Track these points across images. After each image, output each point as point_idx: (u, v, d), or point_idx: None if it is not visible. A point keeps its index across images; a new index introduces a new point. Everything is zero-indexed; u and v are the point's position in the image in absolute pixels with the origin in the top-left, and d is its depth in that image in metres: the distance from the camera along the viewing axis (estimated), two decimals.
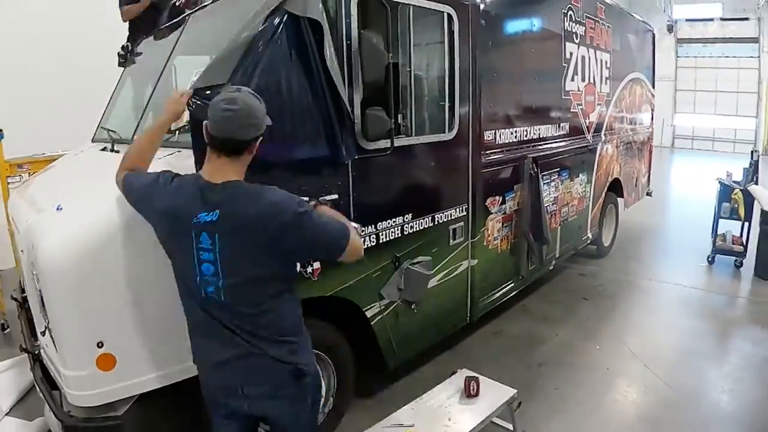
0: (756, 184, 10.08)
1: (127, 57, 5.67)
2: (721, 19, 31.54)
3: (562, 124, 7.81)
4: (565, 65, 7.82)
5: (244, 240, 2.81)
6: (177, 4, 6.00)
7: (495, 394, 4.52)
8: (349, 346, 4.85)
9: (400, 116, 4.65)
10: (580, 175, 8.61)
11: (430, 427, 4.06)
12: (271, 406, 3.06)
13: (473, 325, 6.64)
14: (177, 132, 4.16)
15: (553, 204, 7.76)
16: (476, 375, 4.59)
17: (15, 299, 5.39)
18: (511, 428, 4.72)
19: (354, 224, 3.22)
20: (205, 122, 2.85)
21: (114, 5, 6.18)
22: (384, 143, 4.60)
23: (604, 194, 9.83)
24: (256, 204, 2.80)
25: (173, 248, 3.01)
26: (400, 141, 4.79)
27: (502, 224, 6.58)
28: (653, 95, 12.35)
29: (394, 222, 5.02)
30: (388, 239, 4.97)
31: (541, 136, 7.24)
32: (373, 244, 4.82)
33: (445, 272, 5.73)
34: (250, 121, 2.84)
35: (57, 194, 4.41)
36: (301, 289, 3.44)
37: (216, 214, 2.77)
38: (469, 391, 4.42)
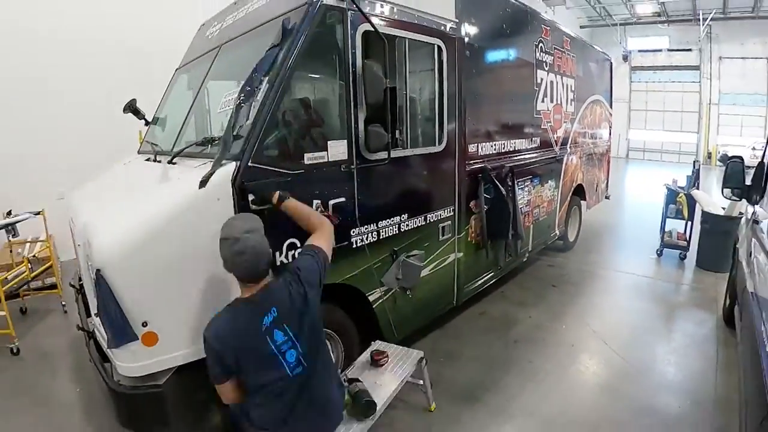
0: (697, 189, 10.17)
1: (133, 109, 5.68)
2: (668, 50, 31.65)
3: (534, 139, 7.83)
4: (537, 89, 7.83)
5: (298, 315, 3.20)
6: (209, 36, 6.05)
7: (407, 358, 4.60)
8: (355, 326, 4.86)
9: (397, 132, 4.67)
10: (549, 181, 8.62)
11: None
12: None
13: (459, 308, 6.63)
14: (209, 145, 4.23)
15: (526, 206, 7.78)
16: (384, 349, 4.64)
17: (73, 286, 5.42)
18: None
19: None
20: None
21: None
22: (383, 154, 4.63)
23: (569, 198, 9.84)
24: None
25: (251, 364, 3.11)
26: (397, 152, 4.83)
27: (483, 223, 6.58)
28: (611, 114, 12.33)
29: (392, 221, 5.05)
30: (387, 235, 5.01)
31: (516, 149, 7.25)
32: (375, 239, 4.85)
33: (435, 263, 5.74)
34: (260, 261, 3.12)
35: (107, 198, 4.54)
36: None
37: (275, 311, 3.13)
38: (377, 363, 4.45)
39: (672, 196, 10.23)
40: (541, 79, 7.98)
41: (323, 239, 3.59)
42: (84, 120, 9.33)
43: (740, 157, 6.24)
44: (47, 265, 7.91)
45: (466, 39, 5.80)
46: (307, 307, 3.24)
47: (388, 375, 4.36)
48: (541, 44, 7.87)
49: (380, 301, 5.10)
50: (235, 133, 3.95)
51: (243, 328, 3.07)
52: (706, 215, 9.35)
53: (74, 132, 9.29)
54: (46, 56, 9.09)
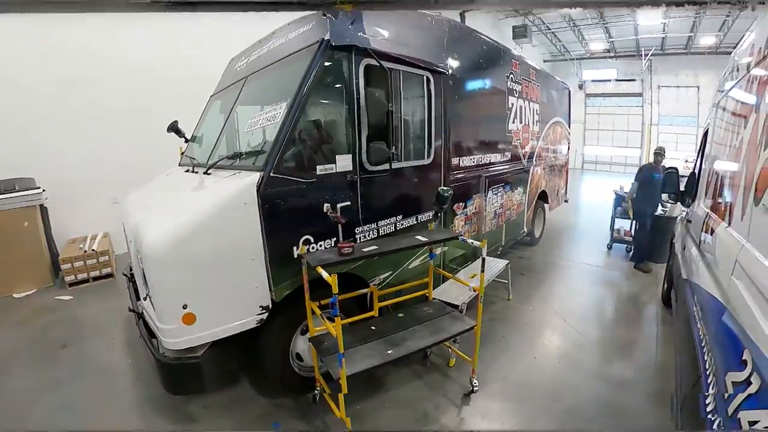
0: None
1: (175, 129, 5.73)
2: (616, 80, 31.71)
3: (506, 153, 7.81)
4: (508, 112, 7.84)
5: None
6: (237, 69, 6.07)
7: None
8: (358, 308, 4.89)
9: (393, 147, 4.67)
10: (519, 188, 8.61)
11: None
12: None
13: None
14: (238, 158, 4.31)
15: (500, 208, 7.79)
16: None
17: (126, 275, 5.47)
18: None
19: None
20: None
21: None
22: (384, 166, 4.70)
23: (535, 201, 9.82)
24: None
25: None
26: (393, 165, 4.83)
27: (464, 222, 6.59)
28: (569, 133, 12.28)
29: (389, 221, 5.06)
30: (385, 233, 5.02)
31: (491, 161, 7.24)
32: (375, 236, 4.88)
33: (424, 255, 5.70)
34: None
35: (153, 202, 4.62)
36: (335, 269, 3.92)
37: None
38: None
39: (619, 200, 10.35)
40: (512, 104, 7.98)
41: None
42: (136, 137, 9.39)
43: (675, 168, 6.29)
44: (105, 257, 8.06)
45: (450, 71, 5.80)
46: None
47: (477, 279, 4.78)
48: (511, 75, 7.88)
49: (379, 287, 5.08)
50: (260, 149, 4.12)
51: None
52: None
53: (129, 147, 9.37)
54: (110, 87, 9.18)
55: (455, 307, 5.37)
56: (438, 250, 6.03)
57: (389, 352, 4.16)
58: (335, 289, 3.48)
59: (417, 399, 4.65)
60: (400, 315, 4.98)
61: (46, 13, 0.96)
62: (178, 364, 3.72)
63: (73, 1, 1.08)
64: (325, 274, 3.64)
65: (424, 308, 5.16)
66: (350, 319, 4.57)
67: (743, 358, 1.96)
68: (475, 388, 4.75)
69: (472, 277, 6.10)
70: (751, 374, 1.86)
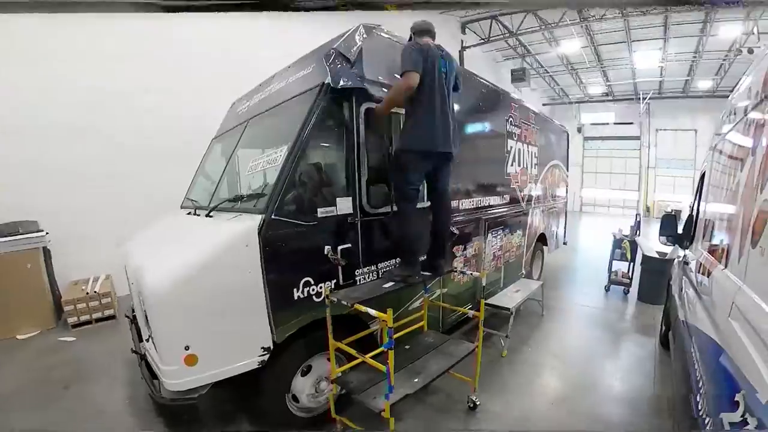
0: (638, 236, 10.36)
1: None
2: (614, 123, 31.89)
3: (504, 196, 7.86)
4: (507, 155, 7.90)
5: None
6: (239, 112, 6.17)
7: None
8: (359, 348, 4.81)
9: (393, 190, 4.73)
10: (518, 230, 8.63)
11: None
12: None
13: (448, 333, 6.54)
14: (240, 201, 4.37)
15: (499, 250, 7.79)
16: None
17: (128, 317, 5.50)
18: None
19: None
20: (412, 33, 4.71)
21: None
22: (385, 209, 4.80)
23: (534, 244, 9.84)
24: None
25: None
26: (394, 207, 4.85)
27: (463, 264, 6.56)
28: (567, 176, 12.39)
29: (389, 262, 5.06)
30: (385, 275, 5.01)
31: (490, 204, 7.28)
32: (375, 278, 4.88)
33: (421, 292, 5.66)
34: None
35: (155, 245, 4.63)
36: (339, 309, 4.19)
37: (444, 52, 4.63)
38: None
39: (617, 242, 10.39)
40: (511, 147, 8.05)
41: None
42: (140, 180, 9.46)
43: (673, 212, 6.38)
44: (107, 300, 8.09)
45: None
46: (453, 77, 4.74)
47: (520, 293, 6.43)
48: (510, 118, 7.95)
49: (378, 329, 5.09)
50: (261, 192, 4.19)
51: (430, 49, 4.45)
52: (645, 258, 9.45)
53: (132, 190, 9.40)
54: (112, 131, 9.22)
55: (507, 310, 6.80)
56: (437, 291, 6.05)
57: (416, 380, 4.30)
58: (390, 322, 3.60)
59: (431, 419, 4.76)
60: (407, 347, 5.05)
61: (40, 12, 1.01)
62: (174, 404, 3.73)
63: (65, 1, 1.11)
64: (373, 312, 3.76)
65: (425, 338, 5.30)
66: (373, 353, 4.40)
67: (737, 399, 1.99)
68: (477, 403, 4.95)
69: (516, 292, 7.58)
70: (744, 414, 1.89)
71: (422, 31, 4.66)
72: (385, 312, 3.71)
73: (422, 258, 5.02)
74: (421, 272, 4.89)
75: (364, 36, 4.58)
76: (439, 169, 4.71)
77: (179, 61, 10.14)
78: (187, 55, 10.24)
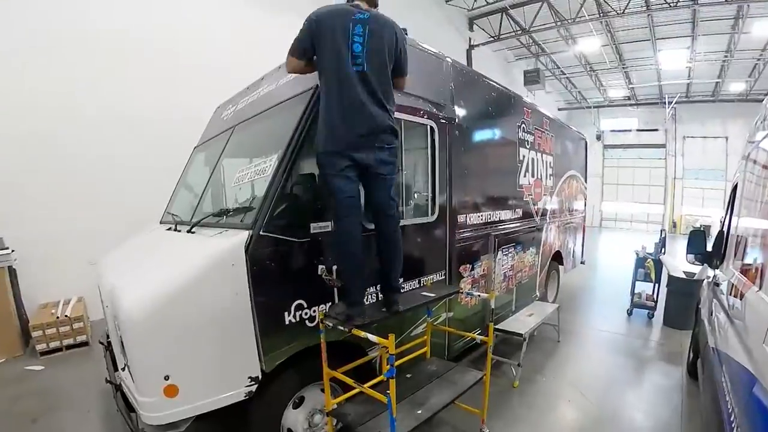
0: (664, 255, 10.32)
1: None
2: (637, 130, 31.89)
3: (517, 210, 7.85)
4: (519, 165, 7.90)
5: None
6: (224, 117, 6.19)
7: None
8: (356, 378, 4.78)
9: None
10: (531, 248, 8.62)
11: None
12: None
13: (455, 361, 6.53)
14: (225, 216, 4.36)
15: (510, 270, 7.77)
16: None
17: (102, 343, 5.46)
18: None
19: None
20: None
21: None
22: None
23: (548, 262, 9.83)
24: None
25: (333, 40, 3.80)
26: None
27: (471, 286, 6.52)
28: (586, 187, 12.41)
29: None
30: None
31: (501, 219, 7.28)
32: (374, 301, 4.83)
33: (431, 320, 5.63)
34: None
35: (132, 264, 4.60)
36: (334, 335, 4.05)
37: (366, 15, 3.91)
38: None
39: (641, 261, 10.33)
40: (523, 156, 8.05)
41: None
42: (113, 192, 9.39)
43: (702, 228, 6.34)
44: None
45: (456, 120, 5.86)
46: (387, 47, 3.99)
47: (534, 317, 6.52)
48: (523, 125, 7.95)
49: (377, 356, 5.06)
50: (248, 205, 4.15)
51: (335, 13, 3.86)
52: (671, 278, 9.40)
53: (105, 202, 9.32)
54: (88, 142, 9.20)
55: (520, 335, 6.68)
56: (442, 315, 6.05)
57: (419, 412, 4.28)
58: (392, 349, 3.57)
59: None
60: (408, 376, 5.03)
61: None
62: None
63: None
64: (373, 338, 3.73)
65: (428, 366, 5.27)
66: (372, 382, 4.37)
67: None
68: None
69: (530, 316, 7.62)
70: None
71: None
72: (386, 337, 3.70)
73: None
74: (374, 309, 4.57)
75: None
76: (367, 178, 4.15)
77: (158, 61, 10.15)
78: (167, 54, 10.25)
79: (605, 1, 17.33)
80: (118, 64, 9.58)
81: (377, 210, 4.26)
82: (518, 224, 7.95)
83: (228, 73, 8.12)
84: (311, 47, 3.92)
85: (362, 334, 3.83)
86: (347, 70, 3.83)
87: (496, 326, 6.79)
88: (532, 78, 22.11)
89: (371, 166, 4.01)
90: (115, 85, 9.57)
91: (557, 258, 10.53)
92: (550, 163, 9.42)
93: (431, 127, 5.44)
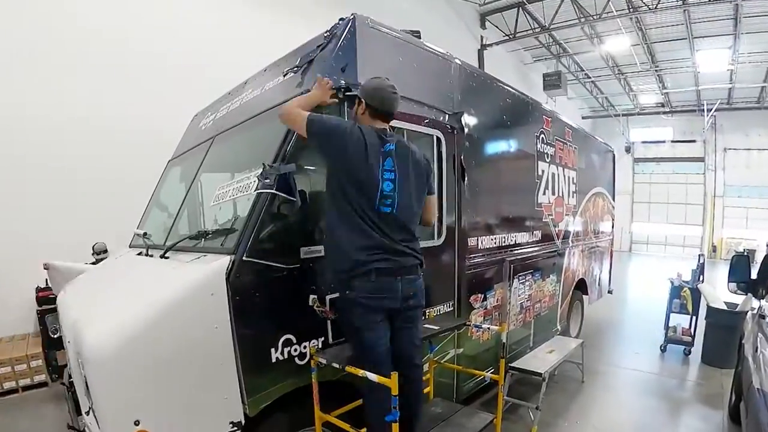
0: (702, 283, 10.24)
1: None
2: (672, 141, 31.90)
3: (535, 232, 7.85)
4: (538, 181, 7.91)
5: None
6: (202, 127, 6.21)
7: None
8: (351, 423, 4.77)
9: None
10: (551, 275, 8.62)
11: None
12: None
13: (465, 404, 6.49)
14: (203, 239, 4.33)
15: (527, 300, 7.75)
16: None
17: (63, 384, 5.38)
18: None
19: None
20: (361, 98, 4.07)
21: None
22: None
23: (571, 292, 9.83)
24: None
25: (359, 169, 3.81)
26: None
27: (484, 318, 6.50)
28: (613, 207, 12.44)
29: None
30: None
31: (517, 242, 7.26)
32: None
33: (436, 358, 5.67)
34: (397, 106, 4.20)
35: (98, 294, 4.58)
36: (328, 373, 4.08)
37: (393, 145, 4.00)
38: None
39: (676, 290, 10.27)
40: (543, 171, 8.06)
41: None
42: (73, 202, 9.27)
43: (746, 253, 6.31)
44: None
45: (466, 130, 5.85)
46: (421, 174, 4.22)
47: (554, 354, 6.57)
48: (542, 135, 7.98)
49: None
50: (230, 227, 4.12)
51: (368, 140, 3.86)
52: (711, 310, 9.34)
53: (64, 215, 9.16)
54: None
55: (539, 375, 6.56)
56: (450, 351, 6.03)
57: None
58: (395, 389, 3.51)
59: None
60: None
61: None
62: None
63: None
64: (373, 377, 3.66)
65: (432, 408, 5.27)
66: None
67: None
68: None
69: (550, 353, 7.44)
70: None
71: (374, 106, 4.07)
72: (388, 376, 3.69)
73: None
74: None
75: (358, 30, 4.57)
76: (396, 324, 4.16)
77: (128, 61, 10.11)
78: (139, 55, 10.23)
79: None
80: (80, 64, 9.58)
81: (402, 359, 4.21)
82: (537, 248, 7.95)
83: (206, 72, 8.17)
84: (328, 145, 3.90)
85: (360, 372, 3.78)
86: (375, 210, 3.90)
87: (512, 364, 6.78)
88: (552, 82, 22.07)
89: (398, 311, 4.08)
90: (78, 89, 9.52)
91: (581, 287, 10.54)
92: (573, 178, 9.46)
93: (437, 138, 5.45)
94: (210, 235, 4.30)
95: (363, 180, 3.81)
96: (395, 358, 4.12)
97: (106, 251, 7.58)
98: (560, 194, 8.86)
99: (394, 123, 4.66)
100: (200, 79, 8.18)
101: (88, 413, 4.00)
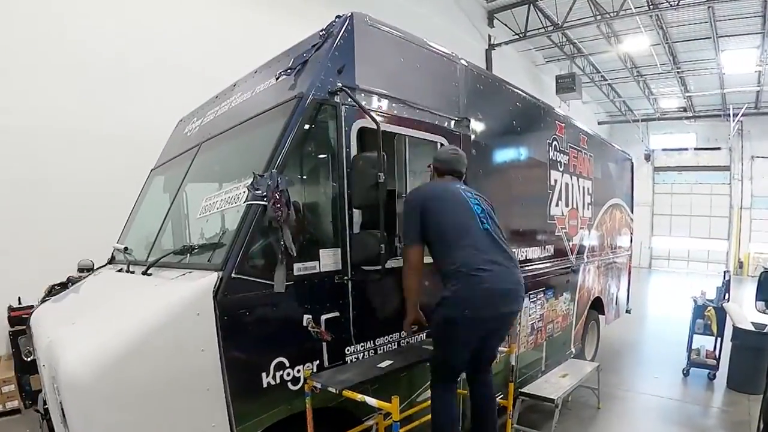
0: (728, 302, 10.16)
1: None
2: (695, 148, 31.84)
3: (547, 247, 7.83)
4: (550, 191, 7.89)
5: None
6: (187, 133, 6.21)
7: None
8: None
9: (396, 239, 4.74)
10: (564, 293, 8.60)
11: None
12: None
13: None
14: (188, 254, 4.34)
15: (539, 321, 7.72)
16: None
17: (38, 411, 5.35)
18: None
19: None
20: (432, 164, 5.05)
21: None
22: (393, 262, 4.76)
23: (586, 311, 9.82)
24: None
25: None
26: (393, 262, 4.82)
27: None
28: (632, 219, 12.45)
29: (391, 338, 5.03)
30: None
31: (527, 258, 7.22)
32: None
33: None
34: (465, 161, 5.06)
35: (75, 314, 4.48)
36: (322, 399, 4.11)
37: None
38: None
39: (700, 309, 10.22)
40: (555, 181, 8.05)
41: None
42: (47, 215, 9.15)
43: None
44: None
45: (472, 136, 5.88)
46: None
47: (568, 378, 6.66)
48: (555, 142, 7.97)
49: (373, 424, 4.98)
50: (218, 241, 4.10)
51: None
52: (737, 331, 9.28)
53: (39, 229, 9.04)
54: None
55: (551, 401, 6.54)
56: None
57: None
58: (397, 414, 3.54)
59: None
60: None
61: None
62: None
63: None
64: (372, 401, 3.69)
65: None
66: None
67: None
68: None
69: (563, 377, 7.46)
70: None
71: (444, 169, 5.05)
72: (389, 401, 3.68)
73: None
74: None
75: (357, 29, 4.58)
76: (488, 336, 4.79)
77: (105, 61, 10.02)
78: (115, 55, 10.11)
79: None
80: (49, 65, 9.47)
81: (481, 366, 4.82)
82: (549, 264, 7.92)
83: (185, 72, 8.14)
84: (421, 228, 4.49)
85: (358, 397, 3.78)
86: (478, 231, 4.54)
87: (522, 389, 6.76)
88: (566, 84, 21.98)
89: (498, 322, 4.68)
90: (49, 91, 9.37)
91: (597, 306, 10.52)
92: (588, 189, 9.46)
93: (441, 145, 5.43)
94: (196, 250, 4.32)
95: (460, 208, 4.83)
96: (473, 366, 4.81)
97: (92, 269, 7.58)
98: (574, 206, 8.85)
99: (394, 129, 4.81)
100: (176, 80, 8.17)
101: None
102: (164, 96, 8.95)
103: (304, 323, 4.15)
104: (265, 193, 3.76)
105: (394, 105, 4.92)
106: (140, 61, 10.27)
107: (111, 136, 9.71)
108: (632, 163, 12.64)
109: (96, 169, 9.50)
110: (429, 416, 5.33)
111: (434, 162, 4.95)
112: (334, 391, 3.93)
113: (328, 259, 4.37)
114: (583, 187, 9.24)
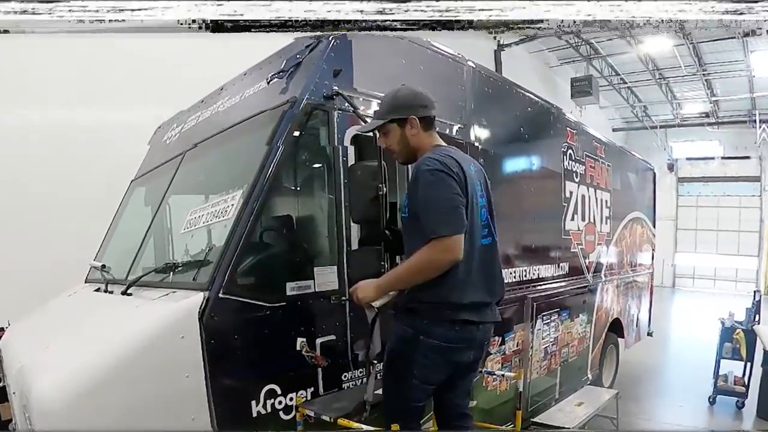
0: (758, 324, 10.10)
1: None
2: (722, 157, 31.77)
3: (561, 264, 7.81)
4: (565, 204, 7.89)
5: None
6: (167, 141, 6.21)
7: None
8: None
9: (398, 257, 4.72)
10: (581, 315, 8.57)
11: None
12: None
13: None
14: (172, 272, 4.31)
15: (553, 344, 7.69)
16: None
17: None
18: None
19: None
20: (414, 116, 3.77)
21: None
22: None
23: (604, 334, 9.79)
24: None
25: None
26: None
27: (501, 365, 6.45)
28: (654, 234, 12.46)
29: None
30: None
31: (540, 276, 7.22)
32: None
33: None
34: None
35: (48, 337, 4.45)
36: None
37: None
38: None
39: (727, 332, 10.18)
40: (571, 193, 8.03)
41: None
42: (20, 225, 9.07)
43: None
44: None
45: (477, 144, 5.88)
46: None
47: (584, 407, 6.61)
48: (570, 151, 7.97)
49: None
50: (204, 258, 4.08)
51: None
52: None
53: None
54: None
55: None
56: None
57: None
58: None
59: None
60: None
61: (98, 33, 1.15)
62: None
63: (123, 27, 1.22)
64: (368, 429, 3.64)
65: None
66: None
67: None
68: None
69: (579, 405, 7.49)
70: None
71: (433, 117, 4.00)
72: (389, 429, 3.66)
73: None
74: None
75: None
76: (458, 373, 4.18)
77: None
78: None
79: None
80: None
81: (452, 413, 4.36)
82: (564, 283, 7.91)
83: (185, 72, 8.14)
84: None
85: (353, 425, 3.74)
86: (476, 245, 3.78)
87: (534, 419, 6.75)
88: (582, 88, 21.97)
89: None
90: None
91: (616, 328, 10.49)
92: (606, 201, 9.45)
93: None
94: (180, 268, 4.28)
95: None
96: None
97: None
98: (591, 220, 8.85)
99: None
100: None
101: None
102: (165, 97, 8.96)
103: (298, 347, 4.09)
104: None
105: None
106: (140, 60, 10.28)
107: (86, 141, 9.66)
108: (654, 173, 12.67)
109: (70, 175, 9.43)
110: None
111: (416, 108, 3.81)
112: (328, 419, 3.87)
113: (324, 278, 4.31)
114: (601, 200, 9.22)
